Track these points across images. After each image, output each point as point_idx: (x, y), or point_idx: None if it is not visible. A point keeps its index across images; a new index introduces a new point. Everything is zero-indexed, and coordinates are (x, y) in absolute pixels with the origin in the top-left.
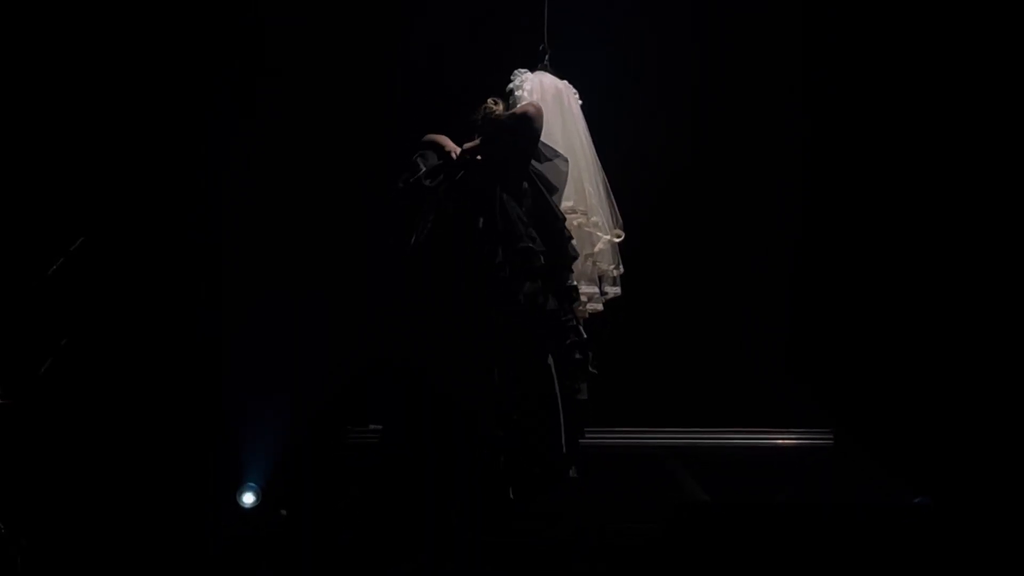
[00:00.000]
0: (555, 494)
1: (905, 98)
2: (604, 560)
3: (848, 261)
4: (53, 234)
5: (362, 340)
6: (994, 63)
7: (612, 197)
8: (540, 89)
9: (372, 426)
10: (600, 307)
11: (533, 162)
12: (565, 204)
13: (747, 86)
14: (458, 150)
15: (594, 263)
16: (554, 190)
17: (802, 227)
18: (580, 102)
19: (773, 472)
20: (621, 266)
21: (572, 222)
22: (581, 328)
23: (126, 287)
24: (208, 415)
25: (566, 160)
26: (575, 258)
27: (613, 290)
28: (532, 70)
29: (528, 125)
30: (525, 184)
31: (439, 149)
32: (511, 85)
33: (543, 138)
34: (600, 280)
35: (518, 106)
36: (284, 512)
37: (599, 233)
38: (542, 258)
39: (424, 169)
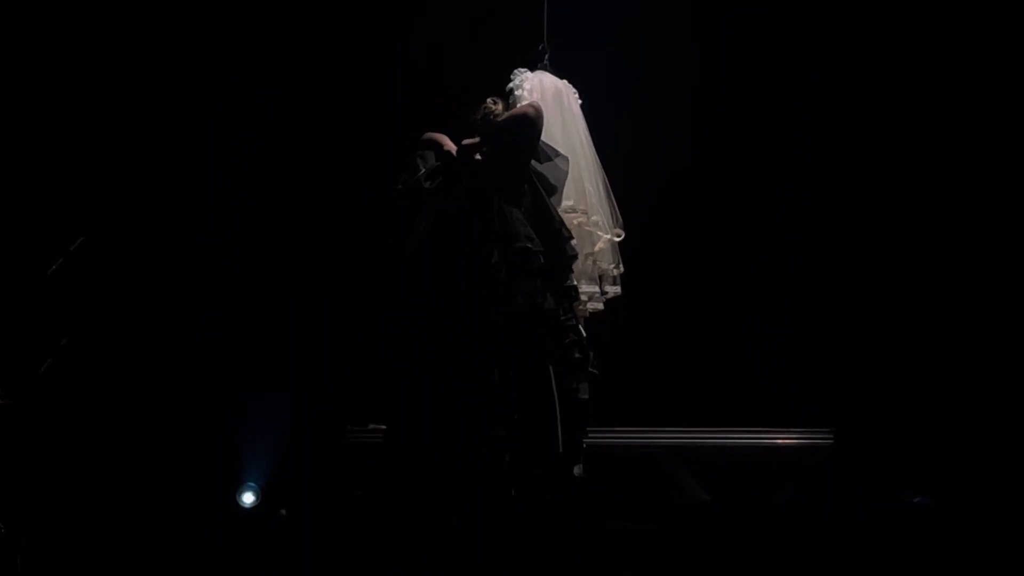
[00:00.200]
0: (555, 494)
1: (905, 98)
2: (604, 559)
3: (848, 261)
4: (53, 234)
5: (362, 340)
6: (994, 63)
7: (612, 196)
8: (540, 88)
9: (372, 426)
10: (600, 306)
11: (533, 162)
12: (565, 203)
13: (747, 86)
14: (454, 149)
15: (594, 262)
16: (554, 190)
17: (802, 227)
18: (580, 101)
19: (773, 472)
20: (621, 265)
21: (572, 221)
22: (580, 327)
23: (126, 287)
24: (208, 415)
25: (566, 159)
26: (574, 258)
27: (613, 289)
28: (532, 70)
29: (528, 126)
30: (525, 184)
31: (438, 148)
32: (511, 84)
33: (543, 138)
34: (600, 279)
35: (517, 107)
36: (284, 512)
37: (599, 232)
38: (540, 258)
39: (424, 170)
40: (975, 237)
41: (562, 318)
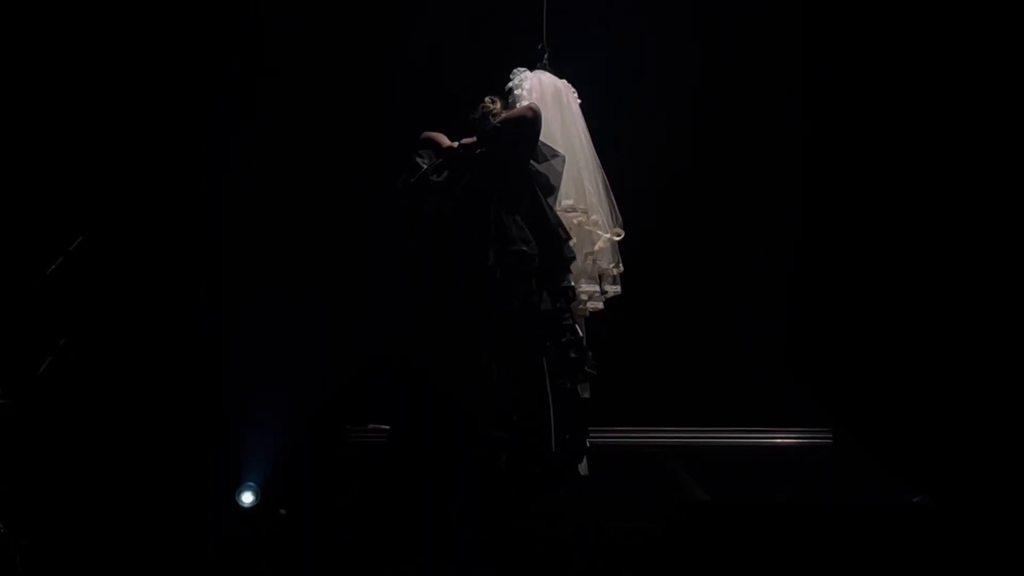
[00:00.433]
0: (555, 494)
1: (905, 98)
2: (604, 559)
3: (848, 261)
4: (53, 234)
5: (362, 340)
6: (994, 63)
7: (612, 196)
8: (539, 88)
9: (372, 426)
10: (600, 306)
11: (531, 162)
12: (565, 202)
13: (747, 86)
14: (455, 146)
15: (594, 261)
16: (552, 191)
17: (802, 227)
18: (579, 101)
19: (773, 471)
20: (621, 265)
21: (572, 221)
22: (578, 328)
23: (126, 287)
24: (208, 415)
25: (563, 160)
26: (571, 259)
27: (613, 289)
28: (531, 69)
29: (526, 127)
30: (523, 185)
31: (436, 147)
32: (510, 84)
33: (543, 138)
34: (600, 279)
35: (516, 108)
36: (283, 512)
37: (599, 232)
38: (536, 261)
39: (424, 168)
40: (975, 237)
41: (559, 318)
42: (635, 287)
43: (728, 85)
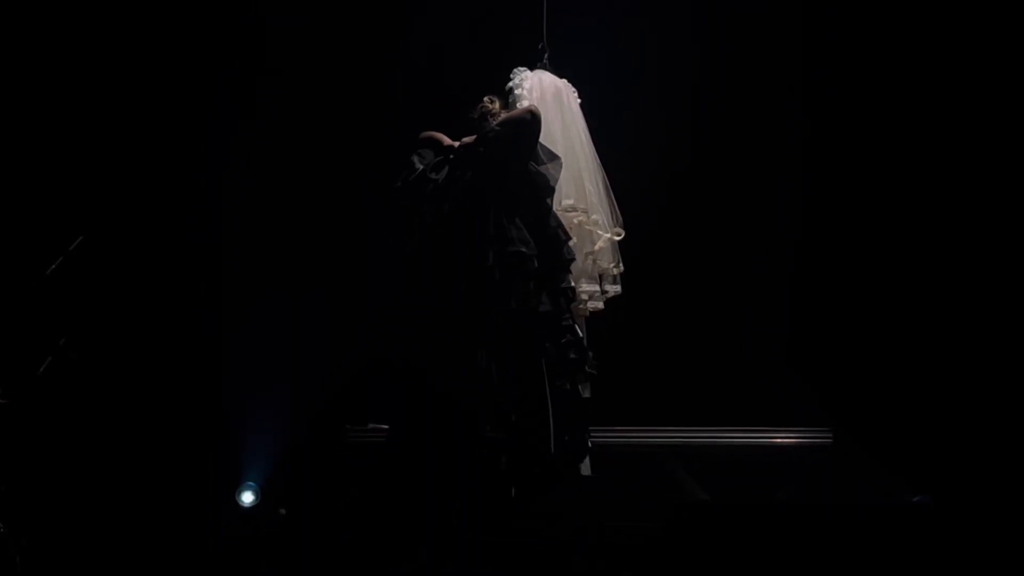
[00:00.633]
0: (555, 494)
1: (905, 98)
2: (604, 559)
3: (848, 260)
4: (53, 234)
5: (362, 340)
6: (994, 63)
7: (612, 195)
8: (540, 88)
9: (372, 426)
10: (601, 305)
11: (530, 163)
12: (565, 202)
13: (747, 86)
14: (456, 145)
15: (594, 261)
16: (550, 192)
17: (802, 227)
18: (579, 101)
19: (773, 471)
20: (621, 264)
21: (572, 220)
22: (577, 328)
23: (126, 287)
24: (208, 415)
25: (560, 162)
26: (571, 261)
27: (613, 288)
28: (532, 69)
29: (525, 129)
30: (522, 186)
31: (437, 146)
32: (511, 84)
33: (543, 137)
34: (600, 278)
35: (516, 110)
36: (283, 511)
37: (599, 231)
38: (534, 262)
39: (421, 168)
40: (975, 237)
41: (559, 319)
42: (635, 287)
43: (728, 85)
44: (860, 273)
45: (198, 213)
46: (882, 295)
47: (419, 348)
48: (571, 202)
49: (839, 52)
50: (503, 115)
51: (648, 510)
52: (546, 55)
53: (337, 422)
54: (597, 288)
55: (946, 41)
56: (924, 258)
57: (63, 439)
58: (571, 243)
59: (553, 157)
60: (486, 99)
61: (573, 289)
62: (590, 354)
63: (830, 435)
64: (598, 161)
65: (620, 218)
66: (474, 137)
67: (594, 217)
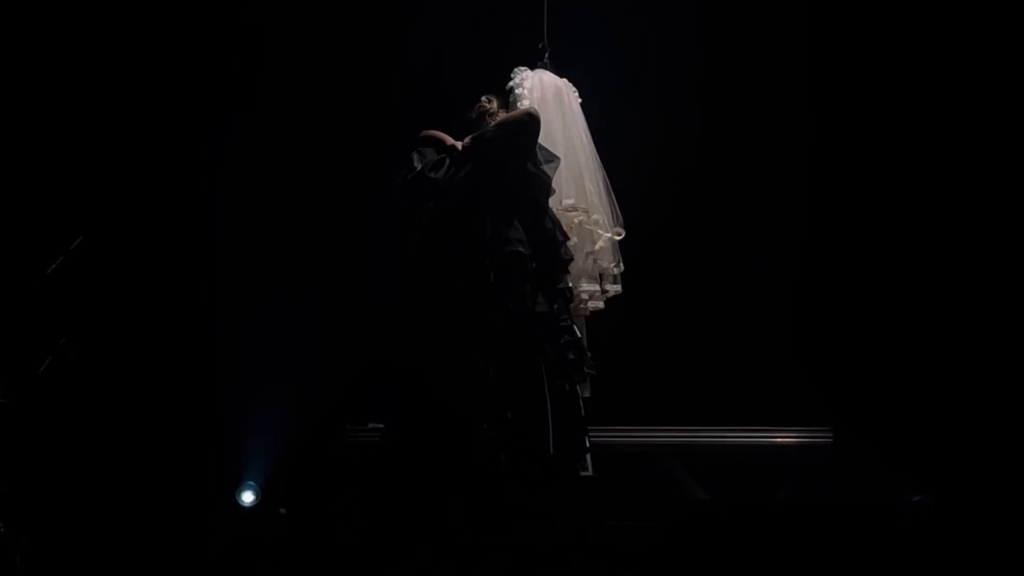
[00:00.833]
0: (555, 494)
1: (905, 98)
2: (604, 559)
3: (848, 260)
4: (53, 234)
5: (362, 340)
6: (994, 63)
7: (612, 195)
8: (540, 87)
9: (372, 426)
10: (601, 305)
11: (529, 164)
12: (566, 202)
13: (747, 86)
14: (458, 145)
15: (595, 261)
16: (549, 193)
17: (802, 227)
18: (580, 100)
19: (773, 471)
20: (622, 264)
21: (573, 220)
22: (576, 328)
23: (126, 287)
24: (208, 415)
25: (559, 162)
26: (569, 261)
27: (614, 288)
28: (532, 68)
29: (524, 130)
30: (520, 187)
31: (437, 144)
32: (511, 83)
33: (543, 137)
34: (601, 278)
35: (514, 111)
36: (283, 511)
37: (600, 231)
38: (531, 263)
39: (420, 167)
40: (975, 236)
41: (557, 320)
42: (636, 286)
43: (728, 85)
44: (860, 273)
45: (198, 213)
46: (882, 295)
47: (418, 348)
48: (572, 202)
49: (839, 52)
50: (502, 115)
51: (648, 510)
52: (547, 54)
53: (337, 422)
54: (597, 288)
55: (946, 41)
56: (924, 258)
57: (63, 439)
58: (571, 243)
59: (552, 158)
60: (484, 99)
61: (571, 289)
62: (589, 354)
63: (830, 435)
64: (599, 161)
65: (620, 218)
66: (471, 137)
67: (595, 217)
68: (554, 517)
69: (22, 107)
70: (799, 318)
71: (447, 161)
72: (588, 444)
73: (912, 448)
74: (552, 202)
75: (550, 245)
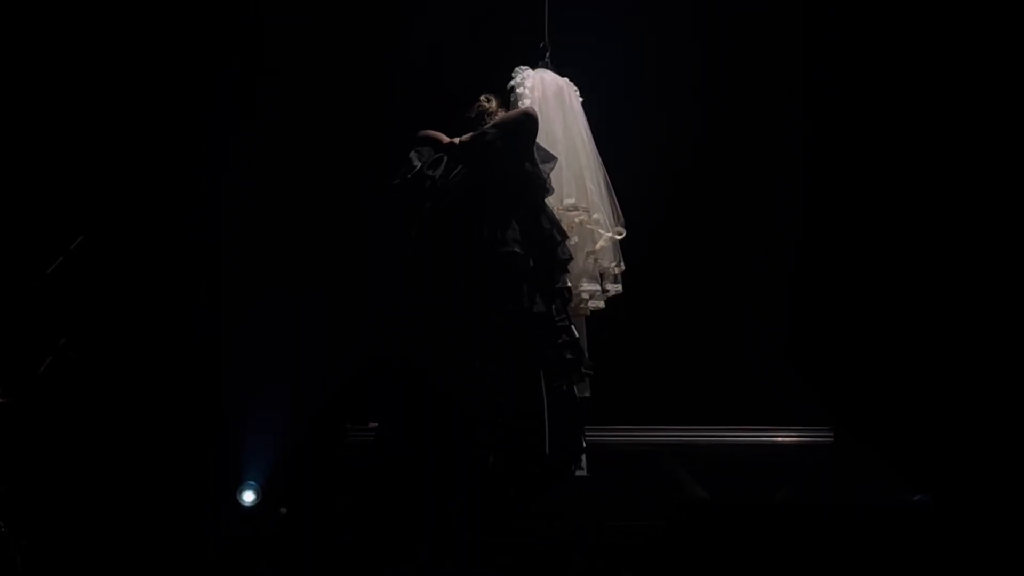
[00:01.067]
0: (555, 494)
1: (905, 98)
2: (604, 558)
3: (848, 260)
4: (53, 233)
5: (362, 340)
6: (994, 63)
7: (613, 194)
8: (541, 87)
9: (372, 425)
10: (601, 304)
11: (526, 164)
12: (567, 201)
13: (747, 86)
14: (456, 141)
15: (595, 260)
16: (547, 192)
17: (802, 227)
18: (581, 99)
19: (773, 470)
20: (622, 263)
21: (574, 219)
22: (573, 328)
23: (126, 287)
24: (208, 415)
25: (558, 161)
26: (567, 261)
27: (614, 287)
28: (533, 68)
29: (522, 130)
30: (518, 187)
31: (435, 143)
32: (512, 82)
33: (544, 136)
34: (601, 277)
35: (512, 111)
36: (284, 510)
37: (600, 230)
38: (529, 262)
39: (419, 165)
40: (975, 236)
41: (554, 319)
42: (636, 286)
43: (728, 85)
44: (860, 272)
45: (198, 213)
46: (882, 294)
47: (417, 348)
48: (572, 201)
49: (839, 52)
50: (500, 115)
51: (648, 510)
52: (548, 54)
53: (337, 422)
54: (598, 287)
55: (946, 41)
56: (924, 257)
57: (63, 439)
58: (571, 243)
59: (549, 158)
60: (483, 98)
61: (569, 289)
62: (586, 354)
63: (831, 434)
64: (599, 160)
65: (621, 217)
66: (470, 135)
67: (595, 216)
68: (554, 517)
69: (22, 107)
70: (799, 318)
71: (445, 160)
72: (584, 445)
73: (912, 448)
74: (553, 201)
75: (548, 244)
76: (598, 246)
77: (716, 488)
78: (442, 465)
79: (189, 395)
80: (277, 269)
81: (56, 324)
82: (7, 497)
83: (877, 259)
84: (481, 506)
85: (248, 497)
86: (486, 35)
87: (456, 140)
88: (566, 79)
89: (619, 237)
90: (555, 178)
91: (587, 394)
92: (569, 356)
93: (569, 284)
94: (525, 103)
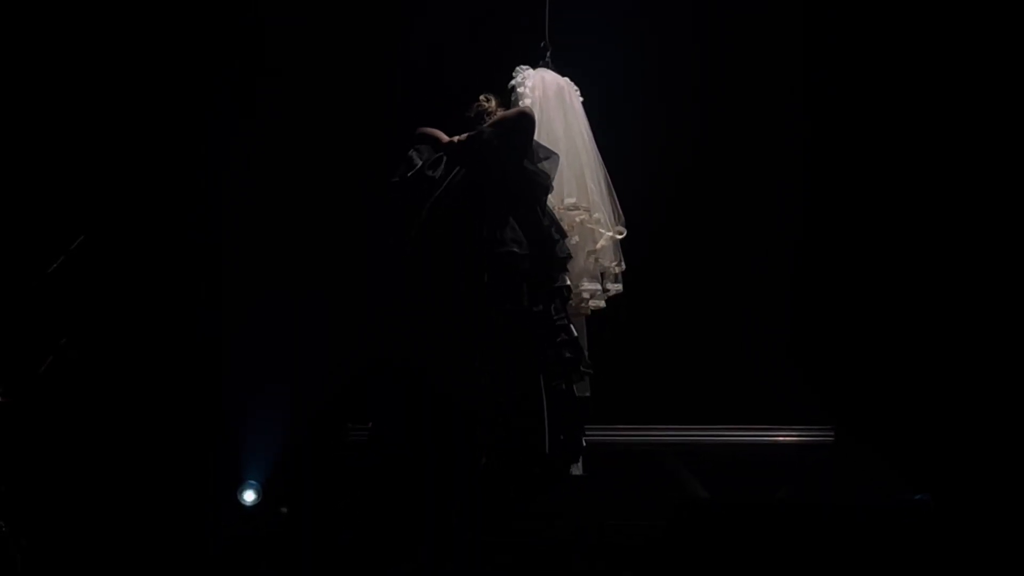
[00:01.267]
0: (555, 494)
1: (905, 98)
2: (604, 558)
3: (848, 259)
4: (53, 233)
5: (362, 340)
6: (994, 63)
7: (614, 194)
8: (542, 86)
9: (371, 425)
10: (602, 304)
11: (525, 162)
12: (567, 200)
13: (748, 86)
14: (455, 140)
15: (596, 260)
16: (547, 191)
17: (802, 226)
18: (581, 99)
19: (774, 469)
20: (623, 263)
21: (574, 219)
22: (572, 328)
23: (126, 287)
24: (208, 415)
25: (557, 159)
26: (566, 259)
27: (615, 287)
28: (533, 67)
29: (520, 129)
30: (517, 185)
31: (433, 142)
32: (513, 82)
33: (545, 136)
34: (602, 277)
35: (509, 110)
36: (284, 510)
37: (601, 230)
38: (527, 262)
39: (419, 164)
40: (975, 236)
41: (553, 318)
42: (637, 285)
43: (729, 85)
44: (861, 272)
45: (198, 213)
46: (883, 294)
47: (417, 348)
48: (573, 200)
49: (839, 53)
50: (499, 114)
51: (648, 509)
52: (548, 53)
53: (337, 422)
54: (599, 286)
55: (946, 41)
56: (925, 257)
57: (63, 439)
58: (572, 242)
59: (549, 154)
60: (482, 97)
61: (569, 288)
62: (585, 354)
63: (831, 434)
64: (600, 159)
65: (622, 216)
66: (467, 135)
67: (596, 215)
68: (554, 517)
69: (23, 107)
70: (800, 317)
71: (444, 160)
72: (584, 444)
73: (912, 447)
74: (554, 201)
75: (547, 243)
76: (599, 245)
77: (716, 487)
78: (442, 465)
79: (189, 395)
80: (277, 269)
81: (56, 324)
82: (7, 497)
83: (877, 259)
84: (481, 506)
85: (248, 497)
86: (486, 35)
87: (455, 139)
88: (566, 79)
89: (620, 236)
90: (556, 177)
91: (587, 393)
92: (568, 355)
93: (568, 282)
94: (526, 103)
